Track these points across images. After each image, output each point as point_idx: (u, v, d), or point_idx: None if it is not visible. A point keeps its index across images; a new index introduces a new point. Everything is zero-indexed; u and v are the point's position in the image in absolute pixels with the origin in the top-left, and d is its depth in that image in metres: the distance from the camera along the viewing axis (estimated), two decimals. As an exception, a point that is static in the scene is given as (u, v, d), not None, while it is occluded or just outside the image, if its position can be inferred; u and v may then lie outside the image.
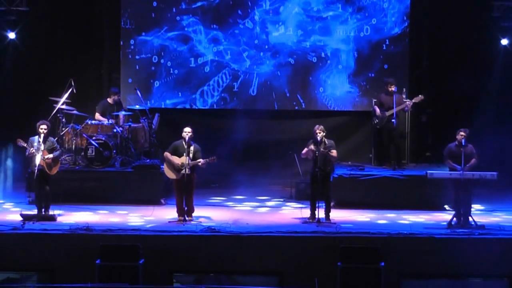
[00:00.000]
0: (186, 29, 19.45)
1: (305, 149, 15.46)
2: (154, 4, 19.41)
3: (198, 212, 15.78)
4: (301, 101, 19.47)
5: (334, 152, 15.39)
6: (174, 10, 19.42)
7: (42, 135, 15.25)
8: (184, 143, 15.37)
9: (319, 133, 15.38)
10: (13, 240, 14.32)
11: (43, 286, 13.98)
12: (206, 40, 19.46)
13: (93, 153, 17.19)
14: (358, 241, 14.08)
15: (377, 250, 13.81)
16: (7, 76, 19.07)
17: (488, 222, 15.29)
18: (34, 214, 15.28)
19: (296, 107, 19.51)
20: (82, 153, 17.30)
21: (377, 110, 17.75)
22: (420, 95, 17.74)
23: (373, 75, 19.30)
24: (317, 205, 15.39)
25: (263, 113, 19.59)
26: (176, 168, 15.33)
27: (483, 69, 18.88)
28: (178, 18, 19.44)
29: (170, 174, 15.45)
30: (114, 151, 17.31)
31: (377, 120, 17.76)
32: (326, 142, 15.42)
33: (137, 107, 18.23)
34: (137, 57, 19.53)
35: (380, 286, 13.59)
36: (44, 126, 15.31)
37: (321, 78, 19.42)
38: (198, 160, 15.22)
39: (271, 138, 19.54)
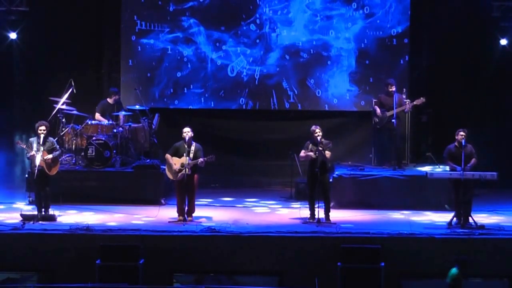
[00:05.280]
0: (186, 30, 19.43)
1: (303, 152, 15.44)
2: (156, 5, 19.38)
3: (198, 212, 15.79)
4: (302, 101, 19.45)
5: (328, 153, 15.38)
6: (174, 11, 19.41)
7: (41, 136, 15.25)
8: (184, 143, 15.38)
9: (318, 133, 15.38)
10: (13, 240, 14.33)
11: (43, 286, 13.98)
12: (207, 42, 19.45)
13: (93, 153, 17.19)
14: (358, 241, 14.08)
15: (377, 250, 13.81)
16: (7, 76, 19.08)
17: (488, 222, 15.29)
18: (34, 214, 15.28)
19: (297, 107, 19.49)
20: (82, 153, 17.30)
21: (378, 110, 17.73)
22: (421, 98, 17.67)
23: (373, 74, 19.29)
24: (316, 205, 15.40)
25: (264, 113, 19.61)
26: (176, 169, 15.33)
27: (482, 69, 18.88)
28: (179, 19, 19.42)
29: (172, 175, 15.46)
30: (114, 151, 17.31)
31: (377, 120, 17.75)
32: (323, 142, 15.42)
33: (137, 107, 18.23)
34: (137, 58, 19.52)
35: (380, 286, 13.60)
36: (43, 127, 15.31)
37: (322, 77, 19.40)
38: (197, 160, 15.23)
39: (271, 138, 19.55)
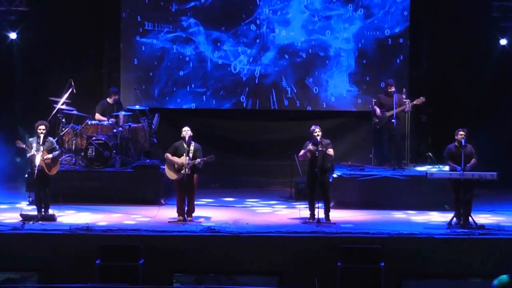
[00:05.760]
0: (186, 30, 19.45)
1: (303, 151, 15.47)
2: (155, 5, 19.39)
3: (198, 212, 15.79)
4: (302, 101, 19.46)
5: (331, 151, 15.42)
6: (174, 11, 19.42)
7: (41, 136, 15.25)
8: (184, 143, 15.39)
9: (318, 133, 15.38)
10: (13, 240, 14.32)
11: (43, 286, 13.98)
12: (207, 42, 19.46)
13: (93, 153, 17.19)
14: (358, 241, 14.08)
15: (377, 250, 13.80)
16: (7, 76, 19.09)
17: (488, 222, 15.29)
18: (34, 214, 15.28)
19: (297, 107, 19.49)
20: (82, 153, 17.30)
21: (377, 110, 17.74)
22: (421, 97, 17.70)
23: (373, 74, 19.30)
24: (316, 205, 15.40)
25: (264, 113, 19.61)
26: (176, 169, 15.34)
27: (482, 69, 18.88)
28: (178, 19, 19.43)
29: (171, 175, 15.47)
30: (114, 151, 17.31)
31: (377, 120, 17.76)
32: (323, 142, 15.44)
33: (137, 107, 18.23)
34: (136, 58, 19.52)
35: (380, 286, 13.59)
36: (42, 127, 15.30)
37: (321, 78, 19.42)
38: (196, 160, 15.23)
39: (271, 138, 19.56)
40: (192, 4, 19.39)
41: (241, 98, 19.50)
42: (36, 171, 15.15)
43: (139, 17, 19.47)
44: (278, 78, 19.45)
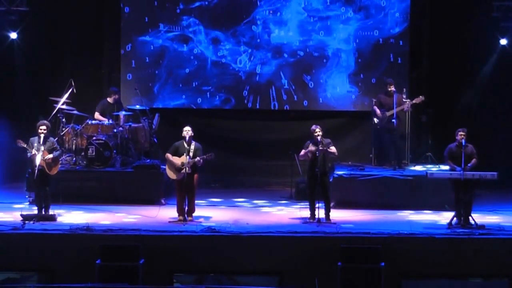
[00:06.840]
0: (186, 29, 19.46)
1: (303, 151, 15.47)
2: (155, 4, 19.42)
3: (198, 212, 15.79)
4: (301, 101, 19.47)
5: (333, 149, 15.40)
6: (174, 10, 19.43)
7: (42, 136, 15.25)
8: (184, 142, 15.39)
9: (318, 133, 15.38)
10: (13, 240, 14.32)
11: (43, 286, 13.98)
12: (206, 41, 19.48)
13: (93, 153, 17.19)
14: (358, 241, 14.08)
15: (377, 250, 13.80)
16: (7, 76, 19.09)
17: (488, 222, 15.29)
18: (34, 214, 15.28)
19: (296, 107, 19.51)
20: (82, 153, 17.31)
21: (377, 110, 17.75)
22: (420, 96, 17.74)
23: (373, 75, 19.32)
24: (316, 205, 15.40)
25: (264, 113, 19.62)
26: (176, 168, 15.34)
27: (482, 69, 18.88)
28: (178, 18, 19.45)
29: (172, 175, 15.46)
30: (114, 151, 17.32)
31: (377, 120, 17.77)
32: (324, 141, 15.43)
33: (137, 107, 18.23)
34: (137, 57, 19.53)
35: (381, 286, 13.59)
36: (43, 127, 15.31)
37: (321, 78, 19.43)
38: (195, 159, 15.23)
39: (271, 138, 19.57)
40: (198, 4, 19.40)
41: (241, 98, 19.51)
42: (36, 171, 15.15)
43: (139, 17, 19.48)
44: (277, 77, 19.46)
